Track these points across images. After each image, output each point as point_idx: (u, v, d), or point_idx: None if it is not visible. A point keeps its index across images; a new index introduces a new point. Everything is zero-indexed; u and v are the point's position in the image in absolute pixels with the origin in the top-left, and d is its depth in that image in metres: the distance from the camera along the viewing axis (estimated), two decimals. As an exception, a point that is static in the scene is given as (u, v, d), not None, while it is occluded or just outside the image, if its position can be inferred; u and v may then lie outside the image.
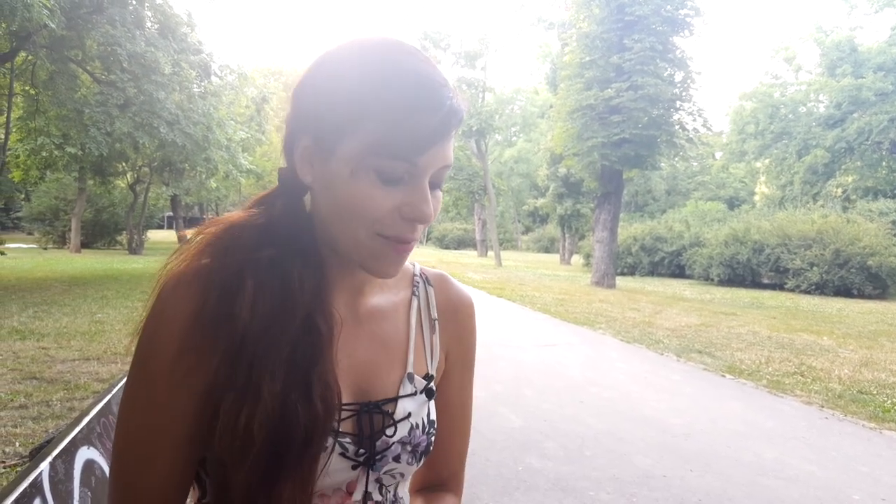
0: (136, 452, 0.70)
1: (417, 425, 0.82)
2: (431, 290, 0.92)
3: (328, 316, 0.74)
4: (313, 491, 0.73)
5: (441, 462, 0.94)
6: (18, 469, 3.45)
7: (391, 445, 0.79)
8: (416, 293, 0.91)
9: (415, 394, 0.83)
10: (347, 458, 0.76)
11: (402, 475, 0.83)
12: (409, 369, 0.84)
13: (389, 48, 0.71)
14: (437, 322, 0.90)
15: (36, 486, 1.03)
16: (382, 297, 0.86)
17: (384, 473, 0.80)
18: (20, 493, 0.98)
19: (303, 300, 0.72)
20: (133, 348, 0.71)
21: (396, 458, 0.80)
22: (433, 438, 0.86)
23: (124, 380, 0.73)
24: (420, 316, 0.90)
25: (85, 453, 1.22)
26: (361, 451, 0.77)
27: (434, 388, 0.86)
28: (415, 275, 0.93)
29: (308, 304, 0.72)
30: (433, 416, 0.87)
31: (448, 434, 0.93)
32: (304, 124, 0.73)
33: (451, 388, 0.93)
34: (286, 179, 0.77)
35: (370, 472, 0.79)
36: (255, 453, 0.67)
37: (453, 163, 0.74)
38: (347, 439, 0.76)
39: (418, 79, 0.69)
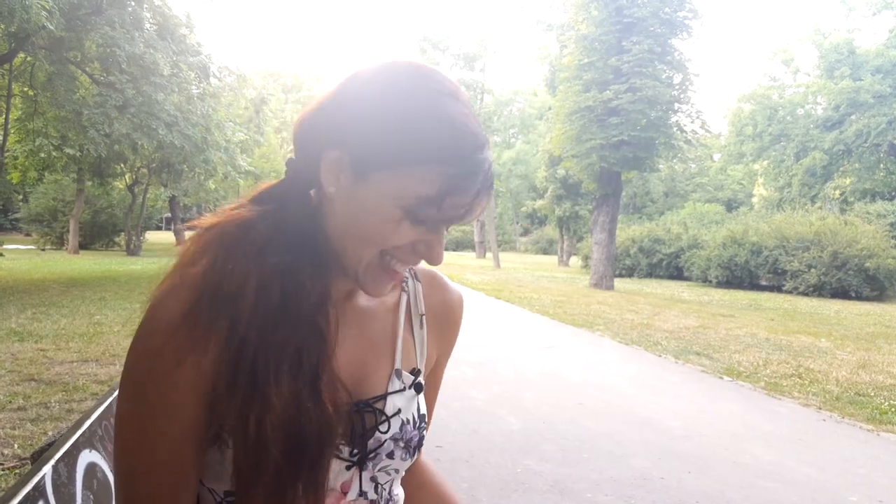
0: (139, 461, 0.70)
1: (408, 420, 0.83)
2: (420, 286, 0.93)
3: (329, 317, 0.74)
4: (325, 496, 0.74)
5: None
6: (17, 471, 3.45)
7: (384, 443, 0.80)
8: (406, 289, 0.91)
9: (403, 389, 0.84)
10: (341, 458, 0.76)
11: (397, 471, 0.84)
12: (397, 366, 0.85)
13: (431, 85, 0.71)
14: (423, 318, 0.91)
15: (39, 490, 1.03)
16: (371, 298, 0.86)
17: (379, 471, 0.81)
18: (23, 497, 0.99)
19: (308, 306, 0.72)
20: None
21: (390, 455, 0.81)
22: (425, 433, 0.87)
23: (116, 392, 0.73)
24: (409, 312, 0.90)
25: (87, 456, 1.23)
26: (355, 451, 0.77)
27: (422, 382, 0.87)
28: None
29: (313, 309, 0.73)
30: (423, 411, 0.88)
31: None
32: (338, 137, 0.71)
33: (428, 370, 0.94)
34: (297, 172, 0.77)
35: (364, 470, 0.79)
36: (267, 461, 0.67)
37: None
38: (340, 440, 0.76)
39: (463, 135, 0.70)
